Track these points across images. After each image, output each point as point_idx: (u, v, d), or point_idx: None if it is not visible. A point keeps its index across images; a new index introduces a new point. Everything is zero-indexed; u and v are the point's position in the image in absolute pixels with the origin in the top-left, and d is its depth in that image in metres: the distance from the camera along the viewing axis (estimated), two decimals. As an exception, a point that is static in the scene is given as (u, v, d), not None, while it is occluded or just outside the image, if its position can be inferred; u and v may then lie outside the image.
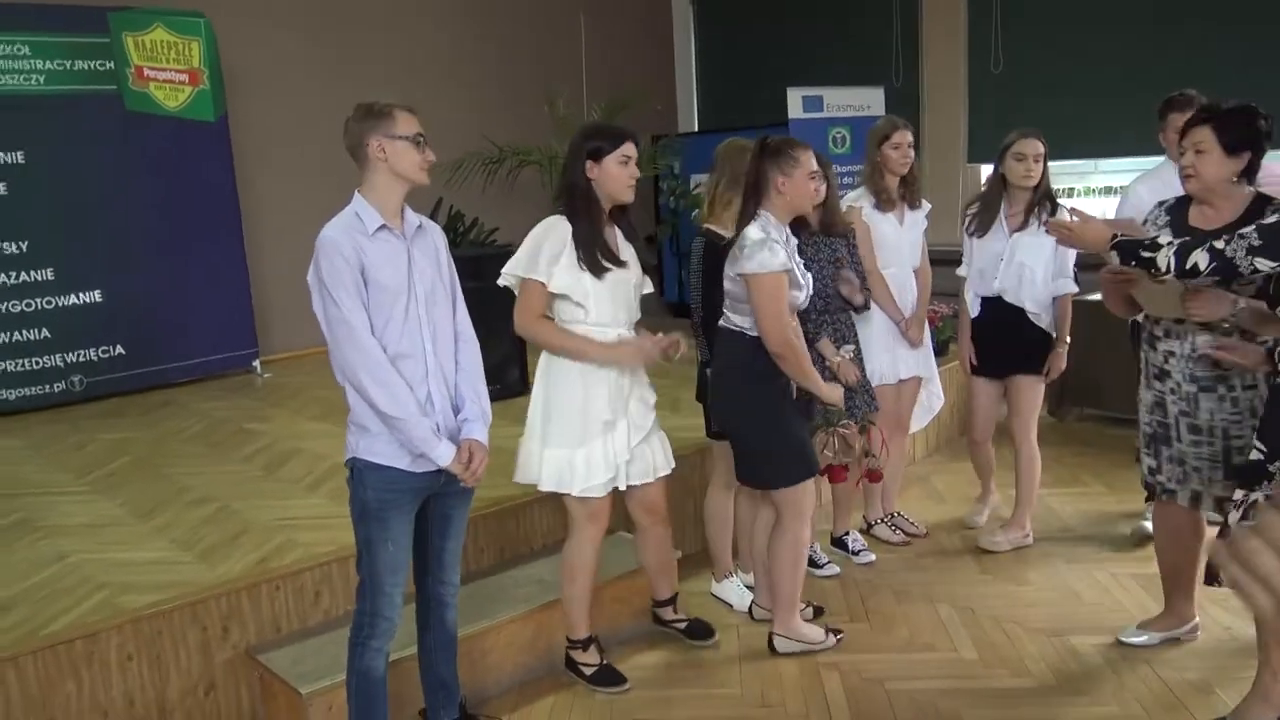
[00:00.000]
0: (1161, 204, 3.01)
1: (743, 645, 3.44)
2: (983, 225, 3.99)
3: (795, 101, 7.12)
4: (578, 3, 7.80)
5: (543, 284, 2.92)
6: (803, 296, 3.16)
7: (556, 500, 3.19)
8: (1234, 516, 2.88)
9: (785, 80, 7.31)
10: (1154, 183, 3.77)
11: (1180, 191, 3.59)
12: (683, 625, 3.48)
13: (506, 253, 3.08)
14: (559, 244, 2.93)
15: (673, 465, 3.24)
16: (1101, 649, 3.27)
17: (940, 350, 5.05)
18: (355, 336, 2.40)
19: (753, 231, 3.10)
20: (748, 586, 3.77)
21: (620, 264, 2.99)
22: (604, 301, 2.96)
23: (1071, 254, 3.95)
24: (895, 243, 3.98)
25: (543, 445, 3.00)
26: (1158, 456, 3.04)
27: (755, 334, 3.11)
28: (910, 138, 3.94)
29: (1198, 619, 3.28)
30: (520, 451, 3.06)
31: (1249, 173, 2.76)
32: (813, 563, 3.98)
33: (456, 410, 2.60)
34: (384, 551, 2.51)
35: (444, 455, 2.49)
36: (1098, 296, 3.20)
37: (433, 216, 7.18)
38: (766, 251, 3.04)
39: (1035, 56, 6.91)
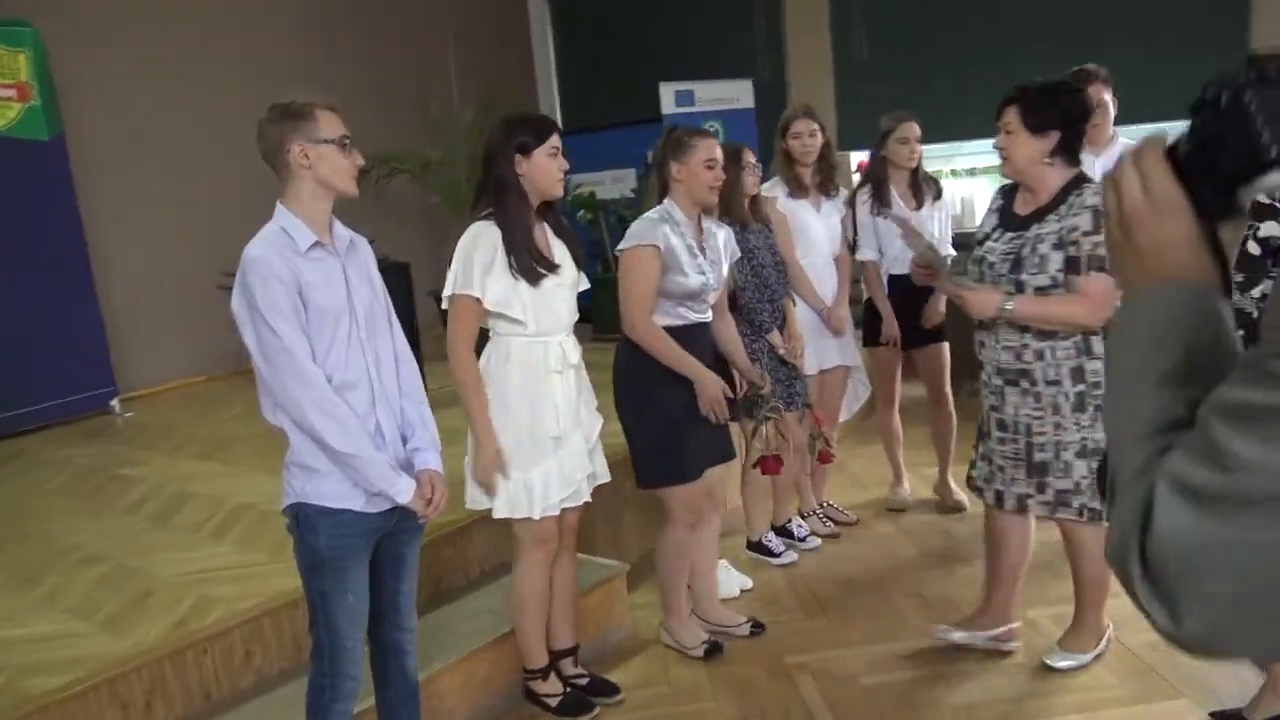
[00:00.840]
0: (1001, 188, 2.97)
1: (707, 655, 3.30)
2: (884, 203, 4.06)
3: (668, 97, 7.07)
4: (441, 2, 7.49)
5: (477, 300, 2.69)
6: (696, 285, 3.04)
7: (493, 522, 2.97)
8: None
9: (651, 76, 7.24)
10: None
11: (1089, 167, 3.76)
12: (584, 682, 3.08)
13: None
14: (489, 252, 2.69)
15: (609, 476, 3.03)
16: (1060, 619, 3.30)
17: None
18: (298, 367, 2.14)
19: (650, 212, 3.07)
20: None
21: (554, 268, 2.78)
22: (543, 310, 2.75)
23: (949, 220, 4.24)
24: (815, 231, 3.95)
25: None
26: (975, 451, 3.04)
27: None
28: (813, 125, 3.93)
29: (1018, 624, 3.16)
30: (468, 475, 2.84)
31: (1066, 152, 2.67)
32: (768, 551, 3.95)
33: (404, 439, 2.38)
34: (343, 604, 2.25)
35: (404, 491, 2.26)
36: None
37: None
38: (645, 227, 2.97)
39: (899, 43, 7.04)
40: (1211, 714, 3.31)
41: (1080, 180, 2.67)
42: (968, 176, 7.24)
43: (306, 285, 2.17)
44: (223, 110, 6.65)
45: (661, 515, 3.24)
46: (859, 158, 6.78)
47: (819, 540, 4.09)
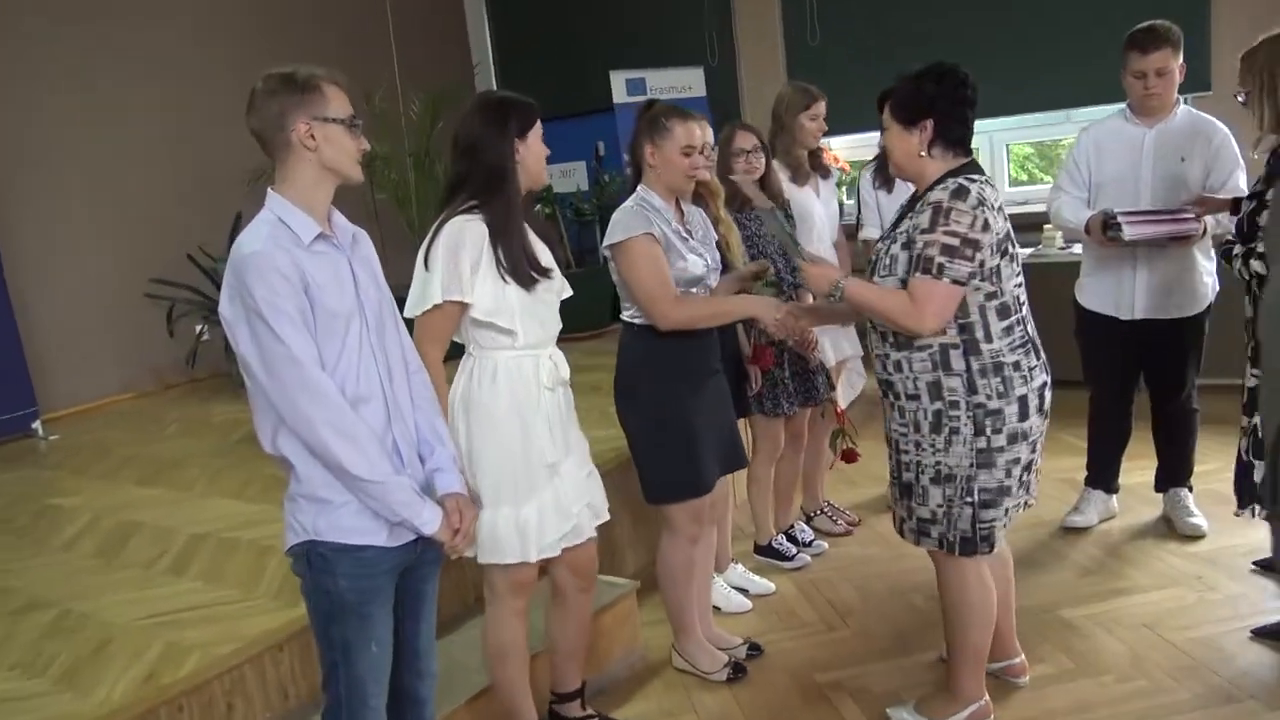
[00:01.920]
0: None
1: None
2: (887, 182, 3.85)
3: (619, 85, 6.81)
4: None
5: (462, 306, 2.34)
6: (700, 269, 2.79)
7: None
8: (1243, 443, 2.91)
9: (598, 65, 6.97)
10: (1097, 133, 3.69)
11: (1120, 138, 3.58)
12: None
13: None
14: (476, 251, 2.33)
15: (608, 513, 2.68)
16: (1094, 617, 3.13)
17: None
18: (308, 379, 1.83)
19: (625, 203, 2.81)
20: (737, 588, 3.51)
21: (547, 272, 2.45)
22: (532, 320, 2.41)
23: None
24: (813, 214, 3.75)
25: (478, 507, 2.36)
26: None
27: (643, 321, 2.78)
28: (824, 107, 3.72)
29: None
30: None
31: (948, 141, 2.44)
32: (781, 556, 3.74)
33: (420, 459, 2.07)
34: (366, 655, 1.94)
35: (430, 521, 1.96)
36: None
37: (231, 235, 6.39)
38: (631, 217, 2.72)
39: (852, 26, 6.87)
40: (1254, 564, 3.34)
41: (955, 174, 2.40)
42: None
43: (314, 284, 1.85)
44: (146, 112, 6.19)
45: (657, 522, 2.97)
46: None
47: (825, 544, 3.88)
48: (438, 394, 2.28)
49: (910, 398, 2.47)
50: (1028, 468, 2.48)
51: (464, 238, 2.33)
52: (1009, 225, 2.41)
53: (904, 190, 3.91)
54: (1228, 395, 3.29)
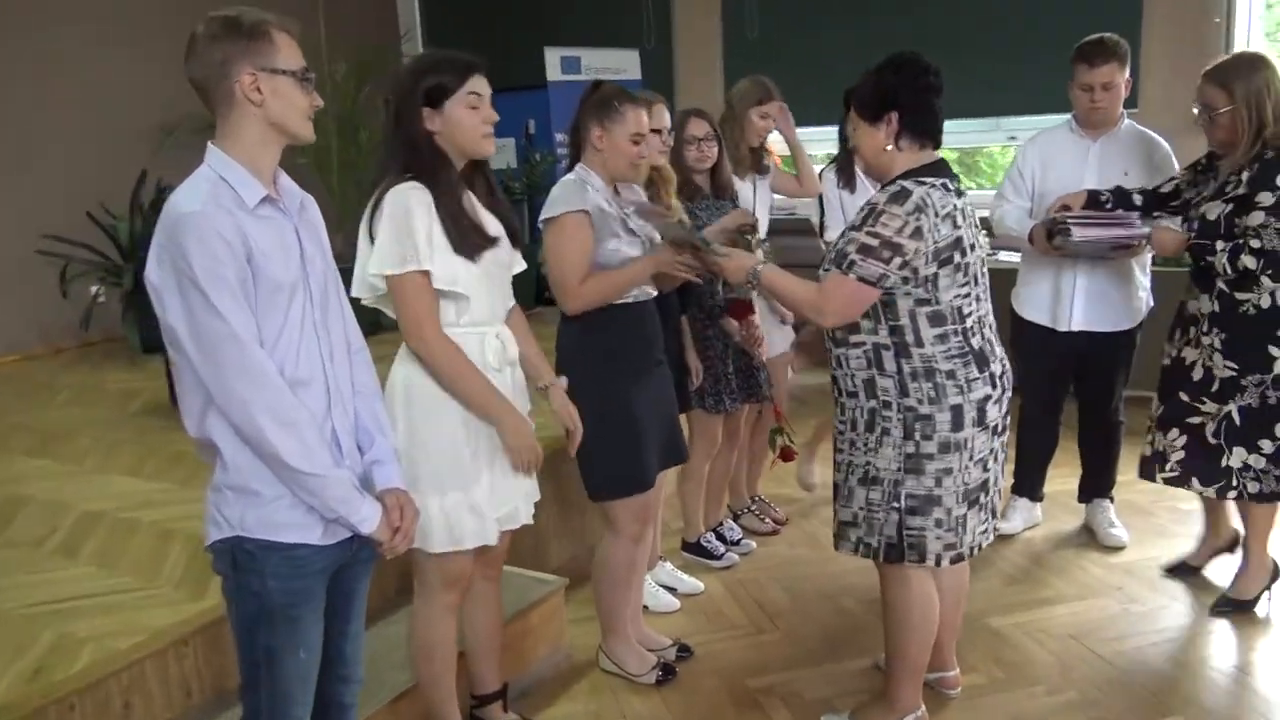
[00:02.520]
0: None
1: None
2: (850, 181, 3.83)
3: (553, 62, 6.65)
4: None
5: (426, 275, 2.19)
6: (639, 253, 2.68)
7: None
8: (1210, 428, 3.03)
9: (531, 39, 6.79)
10: (1042, 143, 3.69)
11: (1065, 149, 3.60)
12: None
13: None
14: (427, 217, 2.19)
15: (538, 493, 2.55)
16: (1021, 627, 3.14)
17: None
18: (247, 358, 1.66)
19: (567, 176, 2.70)
20: (665, 586, 3.43)
21: (492, 241, 2.31)
22: (481, 294, 2.28)
23: None
24: (751, 206, 3.67)
25: (422, 494, 2.20)
26: None
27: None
28: (778, 108, 3.66)
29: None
30: None
31: (915, 133, 2.37)
32: (710, 554, 3.66)
33: (360, 449, 1.91)
34: (293, 662, 1.78)
35: (370, 518, 1.80)
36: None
37: (135, 193, 6.02)
38: (569, 191, 2.62)
39: (791, 22, 6.83)
40: (1166, 569, 3.45)
41: (915, 173, 2.33)
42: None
43: (257, 251, 1.68)
44: (44, 61, 5.79)
45: (583, 514, 2.85)
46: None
47: (753, 543, 3.82)
48: (442, 367, 2.22)
49: (849, 394, 2.44)
50: (982, 487, 2.41)
51: (412, 205, 2.18)
52: (969, 234, 2.33)
53: (866, 189, 3.88)
54: (1146, 408, 3.34)
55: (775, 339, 3.71)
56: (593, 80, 2.81)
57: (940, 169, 2.37)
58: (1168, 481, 3.16)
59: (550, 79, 6.56)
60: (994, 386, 2.37)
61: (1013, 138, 6.51)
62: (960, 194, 2.35)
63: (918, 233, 2.24)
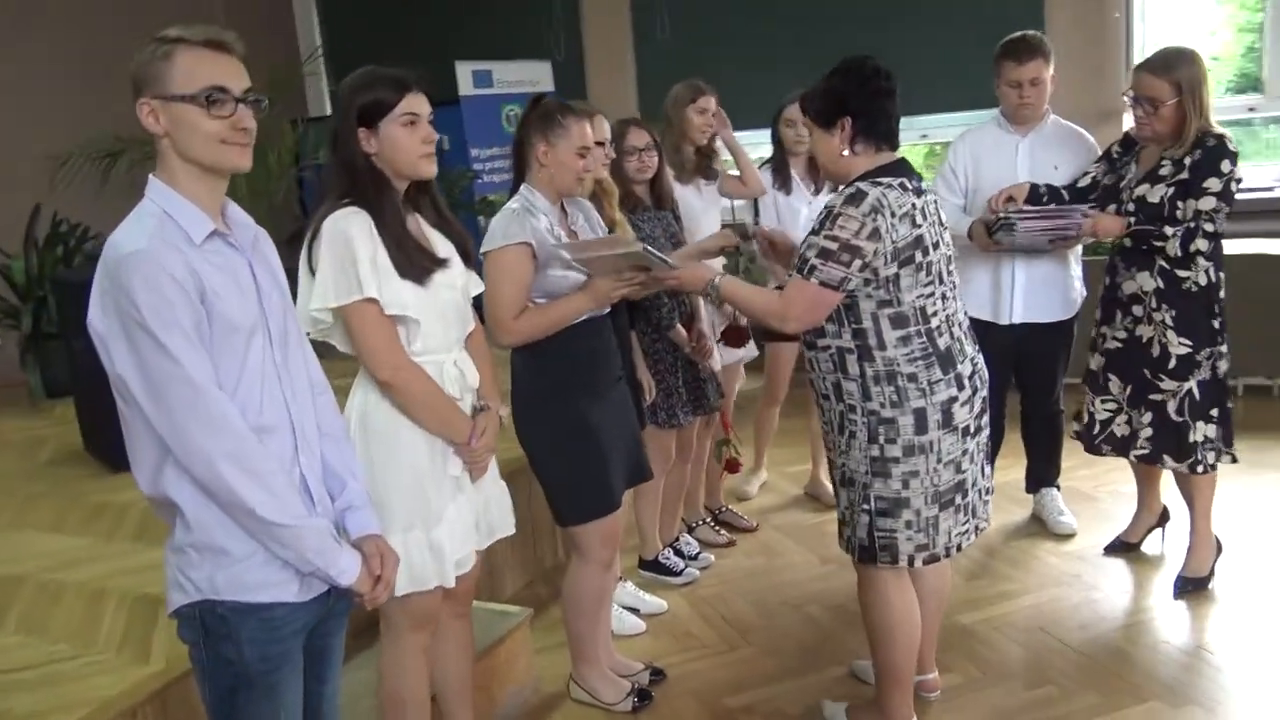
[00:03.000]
0: None
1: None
2: (785, 183, 3.84)
3: (465, 77, 6.51)
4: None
5: (375, 302, 2.07)
6: (583, 276, 2.58)
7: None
8: (1172, 405, 3.10)
9: (439, 55, 6.62)
10: (972, 140, 3.71)
11: (995, 145, 3.62)
12: None
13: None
14: (369, 242, 2.07)
15: (513, 528, 2.45)
16: (989, 622, 3.14)
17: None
18: (205, 404, 1.53)
19: (510, 203, 2.61)
20: (627, 608, 3.32)
21: (441, 263, 2.21)
22: (433, 319, 2.16)
23: None
24: (700, 212, 3.63)
25: (385, 533, 1.99)
26: None
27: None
28: (714, 102, 3.61)
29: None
30: None
31: (870, 136, 2.35)
32: (669, 571, 3.58)
33: (330, 496, 1.79)
34: None
35: (349, 569, 1.68)
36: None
37: (29, 228, 5.68)
38: (510, 222, 2.52)
39: (702, 20, 6.82)
40: (1106, 549, 3.51)
41: (871, 174, 2.32)
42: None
43: (209, 291, 1.55)
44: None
45: (537, 541, 2.74)
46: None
47: (711, 556, 3.76)
48: (413, 396, 2.12)
49: (824, 397, 2.44)
50: (957, 488, 2.38)
51: (352, 231, 2.06)
52: (930, 233, 2.31)
53: (802, 191, 3.88)
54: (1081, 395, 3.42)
55: (724, 350, 3.66)
56: (534, 95, 2.72)
57: (898, 169, 2.35)
58: (1140, 459, 3.21)
59: (462, 93, 6.42)
60: (960, 388, 2.34)
61: (924, 135, 6.62)
62: (920, 192, 2.33)
63: (875, 234, 2.22)
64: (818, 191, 3.88)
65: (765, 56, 6.52)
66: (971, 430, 2.39)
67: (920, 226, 2.28)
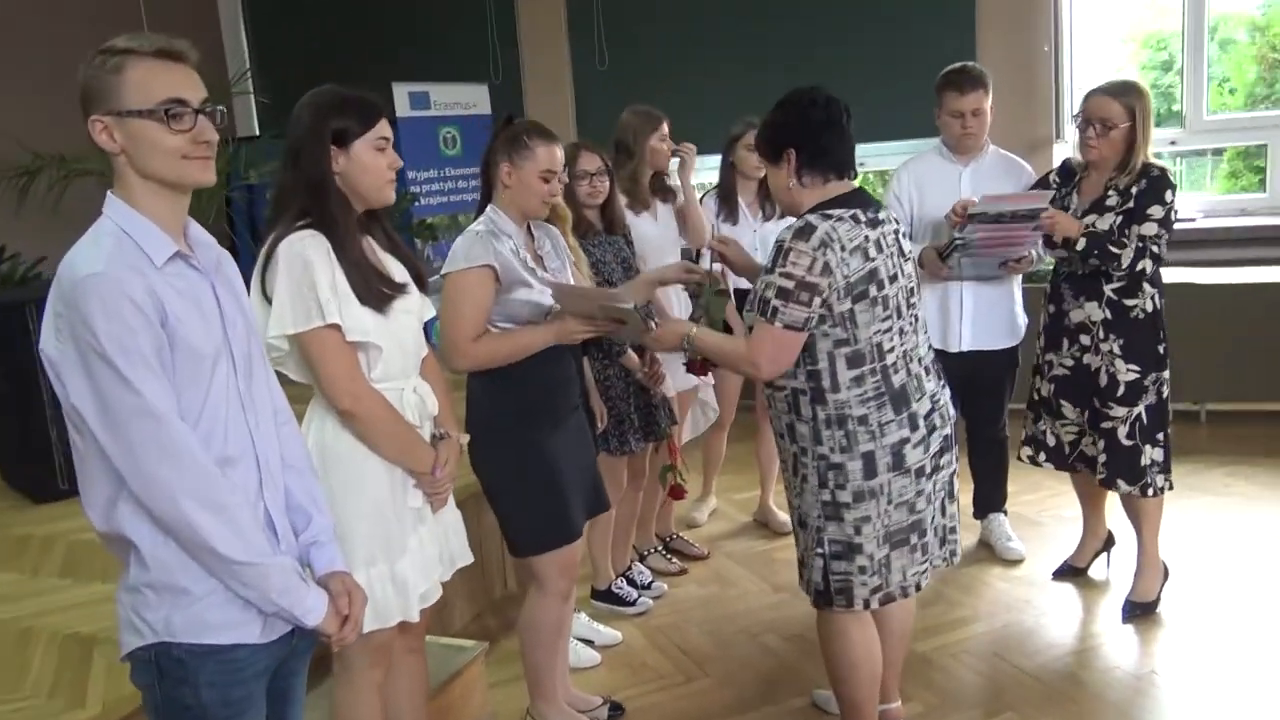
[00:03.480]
0: None
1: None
2: (731, 214, 3.83)
3: (401, 98, 6.41)
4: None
5: (337, 328, 1.99)
6: (549, 299, 2.55)
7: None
8: (1123, 431, 3.14)
9: (375, 76, 6.50)
10: (915, 169, 3.77)
11: (939, 174, 3.68)
12: None
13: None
14: (328, 266, 2.00)
15: (470, 557, 2.38)
16: (945, 649, 3.14)
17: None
18: (167, 437, 1.44)
19: (474, 225, 2.57)
20: (581, 639, 3.26)
21: (400, 288, 2.14)
22: (393, 345, 2.10)
23: None
24: (658, 242, 3.60)
25: (348, 568, 1.93)
26: None
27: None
28: (668, 127, 3.61)
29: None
30: None
31: (816, 168, 2.32)
32: (622, 601, 3.52)
33: (294, 531, 1.70)
34: None
35: (315, 609, 1.60)
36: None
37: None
38: (474, 244, 2.48)
39: (642, 52, 6.84)
40: (1054, 573, 3.58)
41: (822, 206, 2.28)
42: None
43: (172, 316, 1.46)
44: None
45: (486, 572, 2.66)
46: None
47: (664, 584, 3.71)
48: (374, 425, 2.05)
49: (779, 436, 2.41)
50: (912, 528, 2.33)
51: (310, 255, 1.98)
52: (887, 265, 2.25)
53: (748, 219, 3.88)
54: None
55: (678, 375, 3.62)
56: (504, 116, 2.67)
57: (851, 199, 2.29)
58: (1101, 484, 3.25)
59: (400, 115, 6.32)
60: (914, 428, 2.28)
61: (862, 164, 6.69)
62: (876, 223, 2.27)
63: (826, 268, 2.18)
64: (766, 219, 3.88)
65: (704, 85, 6.55)
66: (927, 470, 2.33)
67: (874, 259, 2.23)
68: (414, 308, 2.18)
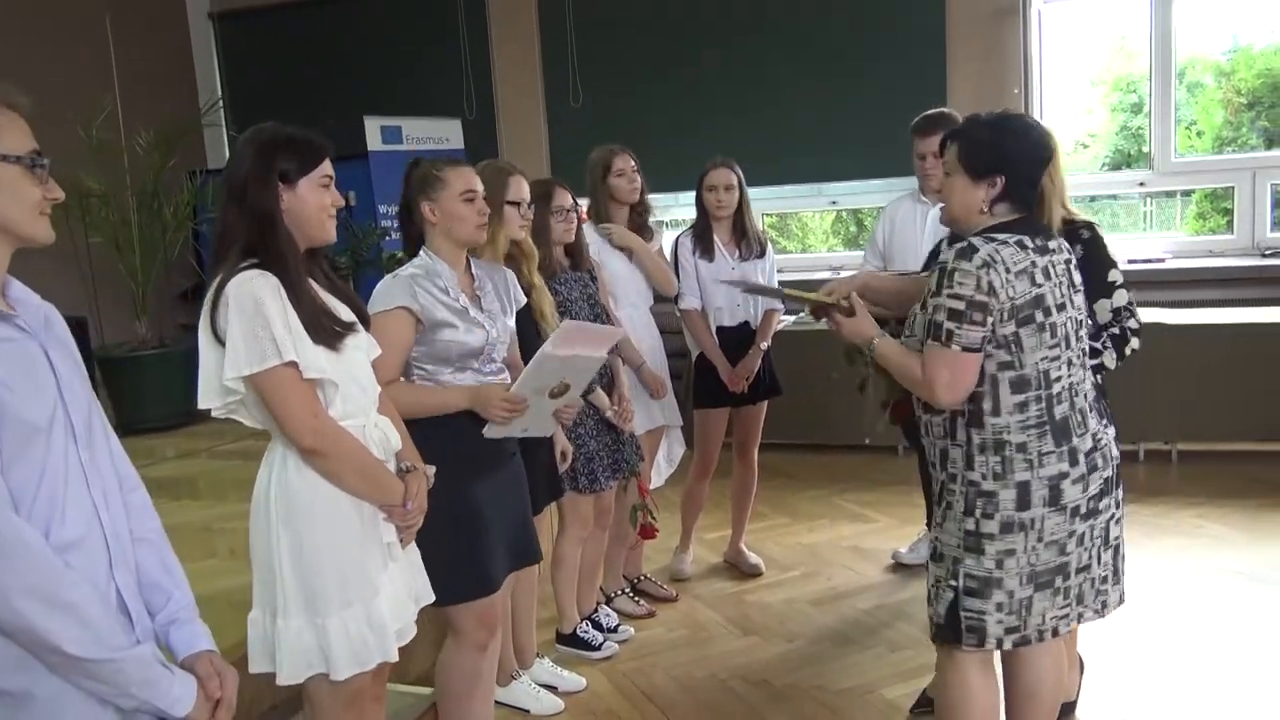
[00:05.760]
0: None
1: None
2: (707, 252, 3.81)
3: (373, 132, 6.40)
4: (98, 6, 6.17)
5: (295, 366, 1.93)
6: (477, 341, 2.52)
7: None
8: None
9: (346, 109, 6.50)
10: (892, 209, 3.82)
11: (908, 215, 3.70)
12: None
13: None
14: (279, 304, 1.94)
15: (432, 595, 2.30)
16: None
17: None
18: None
19: (403, 268, 2.55)
20: (544, 685, 3.19)
21: (349, 327, 2.08)
22: (349, 382, 2.05)
23: (775, 277, 3.98)
24: (627, 278, 3.57)
25: (316, 615, 1.98)
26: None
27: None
28: (634, 162, 3.58)
29: None
30: (262, 635, 2.04)
31: (1015, 201, 2.22)
32: (588, 645, 3.44)
33: (149, 611, 1.58)
34: None
35: (183, 698, 1.48)
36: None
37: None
38: (392, 286, 2.47)
39: (616, 91, 6.85)
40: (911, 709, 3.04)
41: (988, 230, 2.21)
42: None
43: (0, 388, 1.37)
44: None
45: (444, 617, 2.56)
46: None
47: (631, 628, 3.63)
48: (365, 463, 2.03)
49: (932, 465, 2.29)
50: (1059, 570, 2.17)
51: (261, 293, 1.93)
52: (1055, 293, 2.15)
53: (725, 259, 3.81)
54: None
55: (642, 415, 3.57)
56: (409, 162, 2.65)
57: (1019, 225, 2.20)
58: None
59: (371, 148, 6.30)
60: (1073, 463, 2.16)
61: (834, 202, 6.76)
62: (1045, 251, 2.18)
63: (991, 289, 2.09)
64: (743, 259, 3.85)
65: (681, 120, 6.57)
66: (1083, 511, 2.18)
67: (1041, 285, 2.13)
68: (363, 344, 2.14)
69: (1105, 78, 6.56)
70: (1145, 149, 5.98)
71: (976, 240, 2.16)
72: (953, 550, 2.21)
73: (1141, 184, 6.01)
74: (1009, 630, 2.18)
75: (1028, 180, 2.22)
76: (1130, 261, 5.33)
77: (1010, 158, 2.19)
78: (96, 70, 5.56)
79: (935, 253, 3.07)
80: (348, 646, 2.00)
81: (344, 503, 2.02)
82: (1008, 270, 2.11)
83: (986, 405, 2.15)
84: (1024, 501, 2.14)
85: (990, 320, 2.11)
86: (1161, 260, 5.66)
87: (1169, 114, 5.81)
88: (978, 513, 2.16)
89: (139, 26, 6.63)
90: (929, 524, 3.53)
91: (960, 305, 2.10)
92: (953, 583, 2.19)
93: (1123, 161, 6.35)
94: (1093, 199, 6.29)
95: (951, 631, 2.21)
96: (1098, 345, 2.58)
